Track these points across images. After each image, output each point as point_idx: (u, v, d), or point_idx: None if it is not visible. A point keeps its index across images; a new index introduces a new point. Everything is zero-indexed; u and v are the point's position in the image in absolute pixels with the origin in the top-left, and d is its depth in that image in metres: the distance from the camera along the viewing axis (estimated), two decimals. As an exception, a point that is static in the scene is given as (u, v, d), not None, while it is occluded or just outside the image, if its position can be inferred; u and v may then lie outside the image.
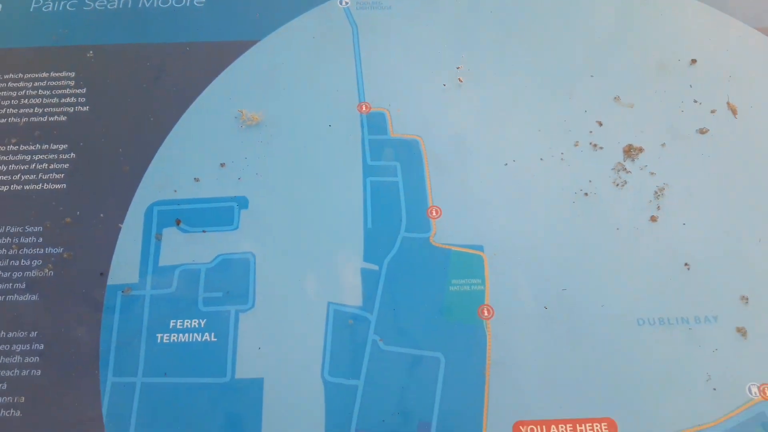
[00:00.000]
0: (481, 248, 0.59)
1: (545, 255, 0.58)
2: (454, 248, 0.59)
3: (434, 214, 0.60)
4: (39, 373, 0.54)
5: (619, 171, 0.62)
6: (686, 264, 0.58)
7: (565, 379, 0.54)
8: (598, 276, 0.57)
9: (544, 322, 0.56)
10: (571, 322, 0.56)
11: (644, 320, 0.56)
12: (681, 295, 0.57)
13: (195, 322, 0.55)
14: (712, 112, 0.65)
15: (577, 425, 0.52)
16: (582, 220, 0.60)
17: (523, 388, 0.53)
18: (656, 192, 0.61)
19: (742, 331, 0.55)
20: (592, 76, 0.67)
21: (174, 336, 0.55)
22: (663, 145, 0.64)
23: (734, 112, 0.66)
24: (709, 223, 0.60)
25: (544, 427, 0.52)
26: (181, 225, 0.59)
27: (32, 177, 0.61)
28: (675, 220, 0.60)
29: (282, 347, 0.55)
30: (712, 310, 0.56)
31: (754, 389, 0.53)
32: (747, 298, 0.57)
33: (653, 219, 0.60)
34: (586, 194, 0.61)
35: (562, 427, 0.52)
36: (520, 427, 0.52)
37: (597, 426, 0.52)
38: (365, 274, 0.58)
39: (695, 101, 0.66)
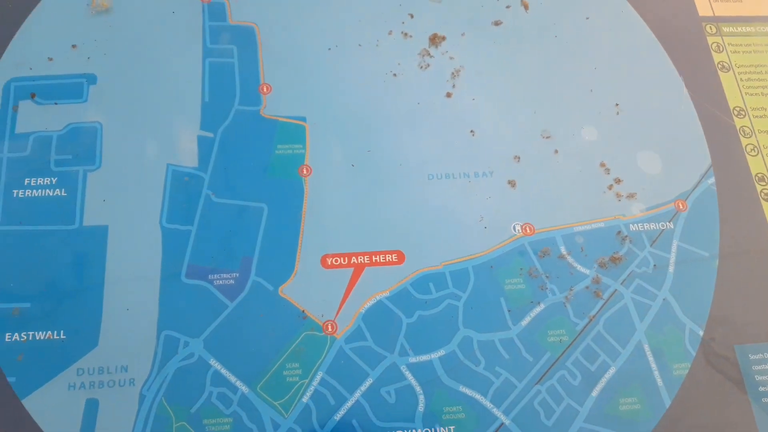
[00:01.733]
0: (304, 119, 0.64)
1: (356, 124, 0.65)
2: (280, 119, 0.64)
3: (265, 90, 0.65)
4: None
5: (424, 56, 0.69)
6: (472, 131, 0.66)
7: (366, 222, 0.61)
8: (399, 141, 0.64)
9: (351, 177, 0.63)
10: (373, 177, 0.63)
11: (433, 175, 0.63)
12: (465, 156, 0.65)
13: (47, 180, 0.59)
14: (507, 7, 0.72)
15: (373, 256, 0.60)
16: (389, 96, 0.66)
17: (331, 229, 0.60)
18: (453, 73, 0.68)
19: (512, 183, 0.64)
20: (408, -25, 0.72)
21: (29, 192, 0.59)
22: (463, 34, 0.70)
23: (526, 7, 0.73)
24: (494, 99, 0.68)
25: (346, 258, 0.59)
26: (36, 98, 0.62)
27: None
28: (466, 96, 0.67)
29: (125, 200, 0.60)
30: (489, 166, 0.64)
31: (518, 227, 0.62)
32: (519, 158, 0.65)
33: (448, 95, 0.67)
34: (394, 75, 0.67)
35: (361, 257, 0.59)
36: (327, 258, 0.59)
37: (389, 256, 0.60)
38: (201, 140, 0.63)
39: (493, -2, 0.72)
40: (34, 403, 0.53)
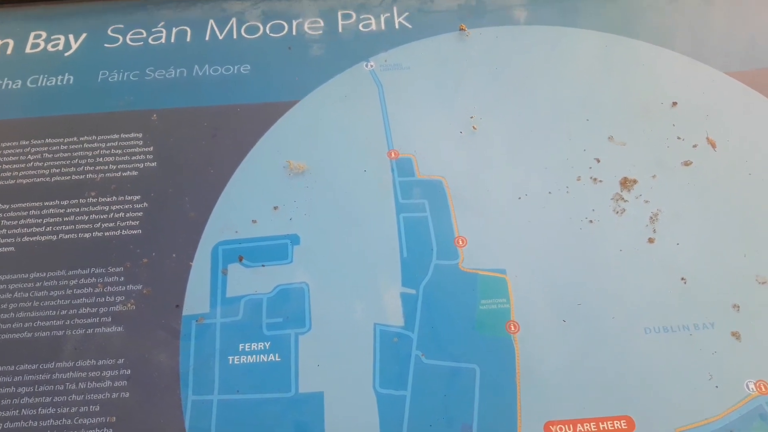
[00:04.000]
0: (504, 271, 0.61)
1: (560, 275, 0.60)
2: (480, 272, 0.61)
3: (461, 243, 0.62)
4: (127, 395, 0.55)
5: (617, 200, 0.65)
6: (683, 278, 0.60)
7: (586, 384, 0.55)
8: (608, 292, 0.59)
9: (564, 333, 0.57)
10: (587, 333, 0.57)
11: (650, 329, 0.57)
12: (680, 306, 0.59)
13: (261, 344, 0.57)
14: (694, 146, 0.68)
15: (600, 422, 0.53)
16: (589, 244, 0.62)
17: (550, 392, 0.55)
18: (651, 217, 0.63)
19: (736, 335, 0.57)
20: (587, 120, 0.70)
21: (243, 357, 0.56)
22: (654, 176, 0.66)
23: (713, 146, 0.68)
24: (700, 242, 0.62)
25: (571, 426, 0.53)
26: (243, 261, 0.61)
27: (111, 225, 0.63)
28: (669, 241, 0.62)
29: (338, 364, 0.56)
30: (708, 317, 0.58)
31: (752, 385, 0.55)
32: (738, 306, 0.58)
33: (650, 241, 0.62)
34: (590, 221, 0.63)
35: (587, 425, 0.53)
36: (551, 427, 0.53)
37: (618, 423, 0.53)
38: (404, 297, 0.59)
39: (678, 138, 0.68)
40: None
